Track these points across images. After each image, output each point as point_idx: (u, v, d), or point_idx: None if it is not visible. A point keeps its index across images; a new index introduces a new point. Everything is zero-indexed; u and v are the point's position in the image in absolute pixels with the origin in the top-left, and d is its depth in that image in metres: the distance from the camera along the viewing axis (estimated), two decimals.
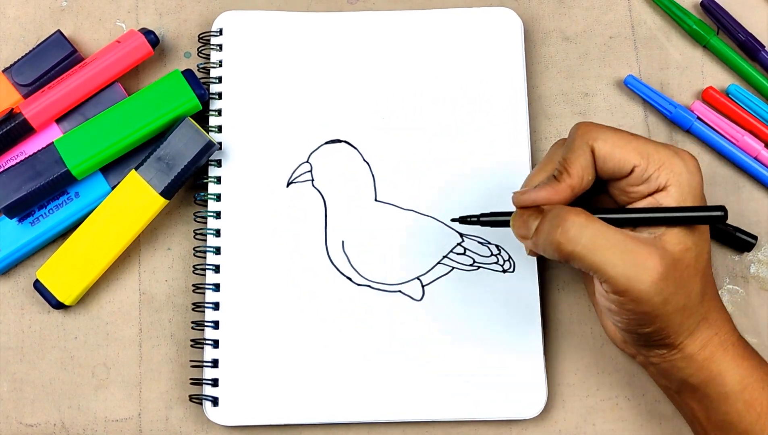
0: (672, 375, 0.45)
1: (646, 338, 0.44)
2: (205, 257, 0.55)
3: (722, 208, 0.39)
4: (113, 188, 0.55)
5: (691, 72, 0.59)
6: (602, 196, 0.47)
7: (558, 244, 0.42)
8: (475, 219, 0.48)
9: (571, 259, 0.42)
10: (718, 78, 0.59)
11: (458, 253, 0.54)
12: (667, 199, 0.42)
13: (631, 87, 0.57)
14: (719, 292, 0.55)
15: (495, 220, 0.48)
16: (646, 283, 0.41)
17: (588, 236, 0.41)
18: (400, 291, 0.54)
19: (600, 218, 0.42)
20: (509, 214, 0.47)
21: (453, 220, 0.50)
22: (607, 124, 0.45)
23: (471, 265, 0.54)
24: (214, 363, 0.53)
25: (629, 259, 0.41)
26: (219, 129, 0.56)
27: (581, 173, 0.43)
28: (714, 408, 0.44)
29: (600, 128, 0.43)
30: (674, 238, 0.42)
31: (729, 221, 0.56)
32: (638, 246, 0.41)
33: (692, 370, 0.44)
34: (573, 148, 0.43)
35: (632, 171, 0.42)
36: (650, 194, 0.42)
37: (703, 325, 0.43)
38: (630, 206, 0.44)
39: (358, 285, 0.54)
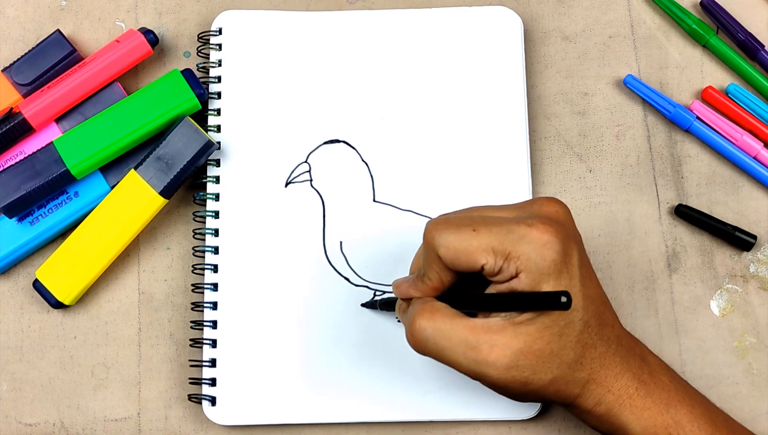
0: (586, 424, 0.46)
1: (536, 401, 0.46)
2: (204, 257, 0.55)
3: (566, 294, 0.38)
4: (112, 188, 0.55)
5: (690, 71, 0.58)
6: None
7: (412, 345, 0.43)
8: (375, 303, 0.53)
9: (428, 356, 0.43)
10: (718, 77, 0.58)
11: None
12: (520, 285, 0.41)
13: (631, 86, 0.57)
14: (718, 292, 0.55)
15: (388, 305, 0.51)
16: (493, 376, 0.41)
17: (431, 338, 0.42)
18: None
19: (454, 307, 0.43)
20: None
21: (362, 304, 0.53)
22: (454, 216, 0.44)
23: None
24: (212, 362, 0.53)
25: (471, 355, 0.41)
26: (218, 128, 0.56)
27: (438, 277, 0.43)
28: None
29: (442, 232, 0.42)
30: (526, 319, 0.41)
31: (729, 221, 0.56)
32: (481, 340, 0.41)
33: (595, 422, 0.44)
34: (425, 256, 0.44)
35: (482, 268, 0.42)
36: (506, 281, 0.42)
37: (591, 385, 0.43)
38: (491, 289, 0.43)
39: (356, 285, 0.54)
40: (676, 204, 0.56)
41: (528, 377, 0.41)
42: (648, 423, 0.43)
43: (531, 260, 0.41)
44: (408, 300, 0.46)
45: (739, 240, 0.55)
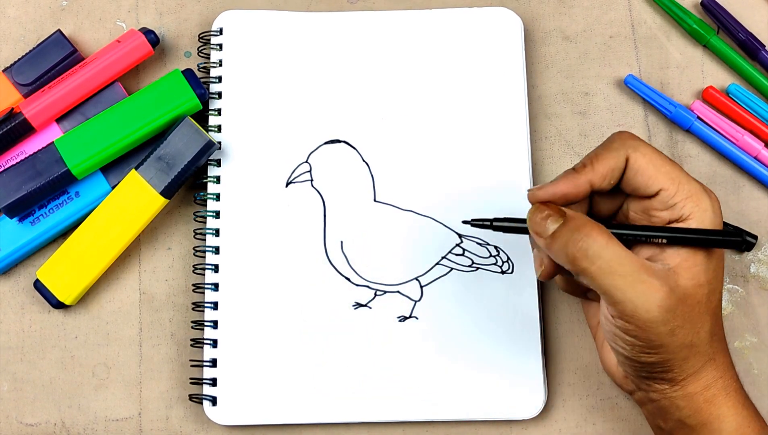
0: (669, 414, 0.45)
1: (649, 369, 0.44)
2: (204, 257, 0.55)
3: (754, 236, 0.39)
4: (113, 188, 0.55)
5: (691, 71, 0.58)
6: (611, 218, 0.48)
7: (574, 258, 0.42)
8: (488, 223, 0.46)
9: (582, 275, 0.42)
10: (718, 77, 0.58)
11: (457, 254, 0.54)
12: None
13: (631, 86, 0.57)
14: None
15: (508, 225, 0.46)
16: (653, 311, 0.41)
17: (606, 259, 0.41)
18: (398, 291, 0.54)
19: (617, 232, 0.43)
20: (522, 220, 0.45)
21: (464, 222, 0.47)
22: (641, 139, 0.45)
23: (470, 265, 0.54)
24: (213, 363, 0.53)
25: (639, 288, 0.41)
26: (219, 128, 0.56)
27: (606, 172, 0.43)
28: None
29: (641, 141, 0.43)
30: (688, 272, 0.42)
31: (729, 221, 0.56)
32: (650, 276, 0.41)
33: (691, 410, 0.44)
34: (608, 148, 0.43)
35: (658, 193, 0.42)
36: (671, 222, 0.42)
37: (710, 365, 0.43)
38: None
39: (357, 285, 0.54)
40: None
41: (677, 328, 0.41)
42: (744, 422, 0.43)
43: (707, 213, 0.42)
44: (550, 206, 0.43)
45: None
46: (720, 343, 0.44)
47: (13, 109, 0.55)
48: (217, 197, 0.55)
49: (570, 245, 0.42)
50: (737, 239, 0.40)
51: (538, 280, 0.54)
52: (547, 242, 0.43)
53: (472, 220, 0.47)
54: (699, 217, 0.42)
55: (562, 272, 0.46)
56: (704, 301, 0.42)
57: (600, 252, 0.41)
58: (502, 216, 0.46)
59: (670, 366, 0.43)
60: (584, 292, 0.49)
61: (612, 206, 0.47)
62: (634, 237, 0.43)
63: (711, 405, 0.43)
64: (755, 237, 0.55)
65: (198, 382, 0.53)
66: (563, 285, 0.49)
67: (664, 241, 0.42)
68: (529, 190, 0.45)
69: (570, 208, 0.44)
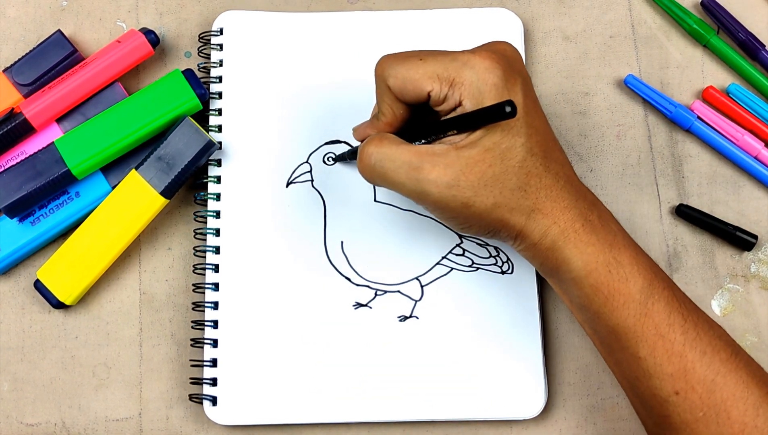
0: (530, 261, 0.47)
1: (482, 236, 0.46)
2: (205, 257, 0.55)
3: (510, 103, 0.39)
4: (113, 188, 0.55)
5: (691, 71, 0.58)
6: None
7: (361, 172, 0.45)
8: (344, 155, 0.54)
9: (375, 183, 0.45)
10: (719, 77, 0.58)
11: (457, 254, 0.54)
12: (464, 112, 0.43)
13: (632, 86, 0.57)
14: (719, 292, 0.55)
15: (353, 154, 0.52)
16: (434, 193, 0.43)
17: (377, 162, 0.44)
18: (399, 291, 0.54)
19: (401, 136, 0.45)
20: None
21: (334, 157, 0.55)
22: (402, 51, 0.46)
23: (470, 266, 0.54)
24: (214, 362, 0.53)
25: (414, 175, 0.43)
26: (219, 128, 0.56)
27: (390, 111, 0.46)
28: (569, 291, 0.45)
29: (391, 64, 0.45)
30: (469, 143, 0.43)
31: (730, 220, 0.56)
32: (423, 161, 0.43)
33: (540, 259, 0.45)
34: (377, 90, 0.46)
35: (429, 96, 0.44)
36: (452, 110, 0.44)
37: (536, 216, 0.44)
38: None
39: (357, 285, 0.54)
40: (677, 204, 0.56)
41: (469, 198, 0.42)
42: (590, 259, 0.44)
43: (473, 85, 0.43)
44: None
45: (740, 240, 0.55)
46: (546, 190, 0.44)
47: (13, 109, 0.55)
48: (218, 197, 0.55)
49: (359, 160, 0.45)
50: (501, 112, 0.40)
51: (538, 280, 0.54)
52: (358, 166, 0.46)
53: (334, 156, 0.55)
54: (467, 94, 0.43)
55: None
56: (497, 162, 0.42)
57: (371, 158, 0.44)
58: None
59: (492, 229, 0.45)
60: None
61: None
62: (423, 140, 0.45)
63: (554, 251, 0.44)
64: (755, 237, 0.55)
65: (198, 381, 0.53)
66: None
67: (433, 137, 0.44)
68: (353, 129, 0.50)
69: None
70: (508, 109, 0.39)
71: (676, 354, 0.43)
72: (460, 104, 0.43)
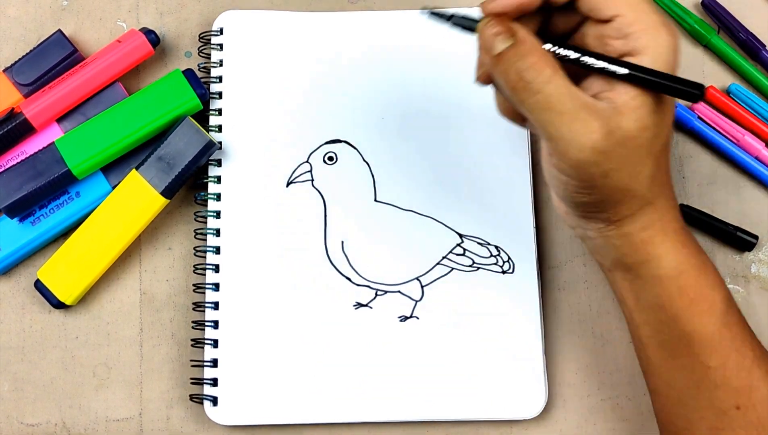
0: (607, 252, 0.44)
1: (584, 208, 0.43)
2: (205, 257, 0.55)
3: (700, 87, 0.36)
4: (114, 188, 0.55)
5: (691, 71, 0.58)
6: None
7: (515, 87, 0.40)
8: (447, 17, 0.43)
9: (520, 105, 0.40)
10: (719, 77, 0.58)
11: (457, 254, 0.54)
12: (643, 60, 0.40)
13: None
14: None
15: (466, 24, 0.42)
16: (585, 152, 0.39)
17: (546, 93, 0.39)
18: (399, 291, 0.54)
19: (563, 54, 0.40)
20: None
21: (423, 8, 0.44)
22: None
23: (470, 265, 0.54)
24: (214, 363, 0.53)
25: (575, 126, 0.39)
26: (219, 128, 0.56)
27: None
28: (646, 289, 0.44)
29: None
30: (633, 113, 0.39)
31: (730, 221, 0.56)
32: (589, 115, 0.39)
33: (627, 249, 0.43)
34: None
35: (614, 19, 0.40)
36: (624, 55, 0.40)
37: (648, 209, 0.42)
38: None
39: (358, 285, 0.54)
40: (678, 204, 0.56)
41: (609, 171, 0.40)
42: (684, 259, 0.43)
43: (663, 48, 0.39)
44: (501, 20, 0.40)
45: (740, 240, 0.55)
46: (662, 187, 0.43)
47: (13, 109, 0.55)
48: (218, 197, 0.55)
49: (512, 73, 0.39)
50: (692, 91, 0.37)
51: (538, 280, 0.54)
52: (493, 61, 0.40)
53: (431, 11, 0.44)
54: (654, 52, 0.39)
55: (501, 90, 0.44)
56: (646, 144, 0.40)
57: (542, 86, 0.39)
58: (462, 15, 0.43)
59: (603, 207, 0.42)
60: (523, 119, 0.45)
61: (567, 25, 0.44)
62: (583, 65, 0.40)
63: (648, 245, 0.43)
64: (756, 237, 0.55)
65: (199, 382, 0.53)
66: (502, 106, 0.46)
67: (614, 72, 0.39)
68: (483, 1, 0.41)
69: (523, 24, 0.41)
70: (698, 92, 0.36)
71: (745, 369, 0.43)
72: (637, 53, 0.39)
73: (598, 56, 0.40)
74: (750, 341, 0.43)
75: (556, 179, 0.42)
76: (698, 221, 0.56)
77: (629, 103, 0.39)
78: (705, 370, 0.43)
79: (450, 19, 0.43)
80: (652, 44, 0.39)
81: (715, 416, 0.43)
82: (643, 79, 0.39)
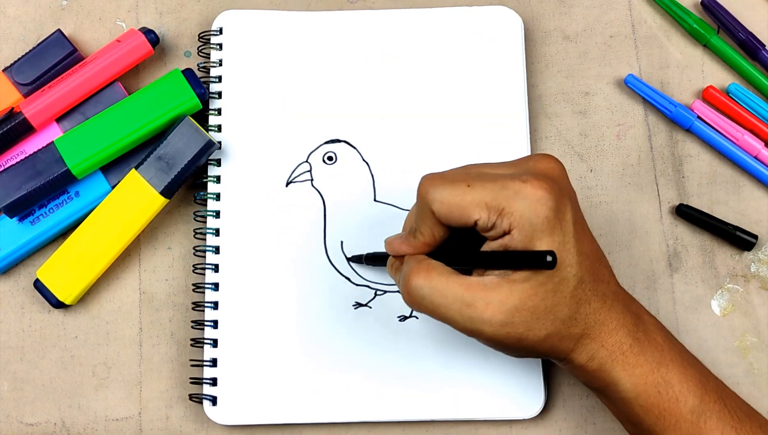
0: (577, 378, 0.46)
1: (532, 358, 0.46)
2: (204, 256, 0.55)
3: (551, 253, 0.39)
4: (113, 187, 0.55)
5: (691, 71, 0.58)
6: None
7: (408, 303, 0.44)
8: (362, 258, 0.52)
9: (423, 313, 0.43)
10: (719, 77, 0.58)
11: None
12: (513, 242, 0.41)
13: (632, 86, 0.57)
14: (719, 292, 0.55)
15: (376, 260, 0.51)
16: (488, 332, 0.42)
17: (427, 295, 0.42)
18: (398, 291, 0.54)
19: (447, 265, 0.43)
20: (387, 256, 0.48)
21: (348, 259, 0.54)
22: (449, 172, 0.44)
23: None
24: (213, 362, 0.53)
25: (467, 312, 0.41)
26: (219, 128, 0.56)
27: (431, 232, 0.44)
28: (618, 408, 0.45)
29: (436, 187, 0.43)
30: (522, 277, 0.41)
31: (730, 220, 0.56)
32: (476, 298, 0.41)
33: (586, 378, 0.45)
34: (418, 210, 0.44)
35: (475, 223, 0.42)
36: (499, 238, 0.42)
37: (584, 341, 0.43)
38: (486, 246, 0.43)
39: (357, 285, 0.54)
40: (677, 203, 0.56)
41: (522, 333, 0.42)
42: (639, 380, 0.43)
43: (524, 217, 0.41)
44: (400, 258, 0.46)
45: (740, 239, 0.55)
46: (591, 316, 0.43)
47: (13, 108, 0.55)
48: (218, 197, 0.55)
49: (402, 291, 0.44)
50: (543, 261, 0.39)
51: None
52: (402, 293, 0.44)
53: (349, 257, 0.54)
54: (517, 225, 0.41)
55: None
56: (550, 295, 0.42)
57: (420, 292, 0.42)
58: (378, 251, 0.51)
59: (542, 355, 0.44)
60: None
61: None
62: (464, 265, 0.43)
63: (602, 372, 0.44)
64: (755, 237, 0.55)
65: (198, 381, 0.53)
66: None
67: (481, 269, 0.43)
68: (386, 240, 0.47)
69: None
70: (549, 258, 0.39)
71: None
72: (508, 232, 0.42)
73: (469, 258, 0.43)
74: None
75: (493, 349, 0.44)
76: (698, 221, 0.56)
77: (516, 273, 0.41)
78: None
79: (364, 259, 0.53)
80: (513, 221, 0.41)
81: None
82: (501, 261, 0.42)
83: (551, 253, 0.39)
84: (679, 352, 0.45)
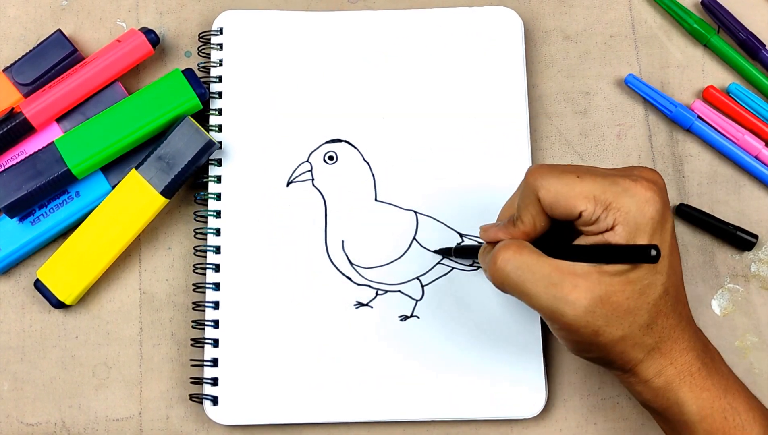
0: (635, 396, 0.46)
1: (596, 363, 0.45)
2: (205, 256, 0.55)
3: (655, 247, 0.39)
4: (114, 187, 0.55)
5: (691, 71, 0.58)
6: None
7: (491, 276, 0.44)
8: (450, 251, 0.53)
9: (505, 291, 0.43)
10: (719, 77, 0.58)
11: None
12: (615, 238, 0.41)
13: (632, 86, 0.57)
14: (720, 291, 0.55)
15: (465, 253, 0.51)
16: (569, 315, 0.41)
17: (513, 269, 0.42)
18: (400, 291, 0.54)
19: (542, 251, 0.43)
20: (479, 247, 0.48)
21: (435, 251, 0.54)
22: (559, 164, 0.44)
23: (470, 265, 0.54)
24: (214, 362, 0.53)
25: (552, 291, 0.41)
26: (219, 128, 0.56)
27: (532, 221, 0.44)
28: (677, 432, 0.45)
29: (545, 175, 0.43)
30: (615, 270, 0.41)
31: (730, 220, 0.56)
32: (565, 279, 0.41)
33: (650, 395, 0.44)
34: (522, 197, 0.44)
35: (580, 215, 0.42)
36: (601, 233, 0.42)
37: (655, 354, 0.43)
38: (581, 240, 0.43)
39: (358, 285, 0.54)
40: (678, 203, 0.56)
41: (600, 327, 0.41)
42: (705, 404, 0.43)
43: (631, 214, 0.41)
44: (493, 244, 0.45)
45: (740, 239, 0.55)
46: (666, 331, 0.43)
47: (13, 108, 0.55)
48: (218, 197, 0.55)
49: (488, 267, 0.44)
50: (641, 253, 0.39)
51: None
52: (488, 270, 0.44)
53: (438, 249, 0.54)
54: (622, 221, 0.41)
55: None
56: (635, 296, 0.41)
57: (506, 265, 0.42)
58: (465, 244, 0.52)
59: (610, 360, 0.44)
60: None
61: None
62: (560, 257, 0.43)
63: (667, 391, 0.43)
64: (756, 236, 0.55)
65: (199, 381, 0.53)
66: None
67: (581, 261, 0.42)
68: (481, 227, 0.47)
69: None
70: (653, 253, 0.39)
71: None
72: (611, 229, 0.41)
73: (567, 250, 0.43)
74: None
75: (561, 341, 0.44)
76: (698, 221, 0.56)
77: (608, 266, 0.41)
78: None
79: (453, 251, 0.53)
80: (618, 216, 0.41)
81: None
82: (602, 255, 0.41)
83: (655, 247, 0.39)
84: (742, 384, 0.45)
